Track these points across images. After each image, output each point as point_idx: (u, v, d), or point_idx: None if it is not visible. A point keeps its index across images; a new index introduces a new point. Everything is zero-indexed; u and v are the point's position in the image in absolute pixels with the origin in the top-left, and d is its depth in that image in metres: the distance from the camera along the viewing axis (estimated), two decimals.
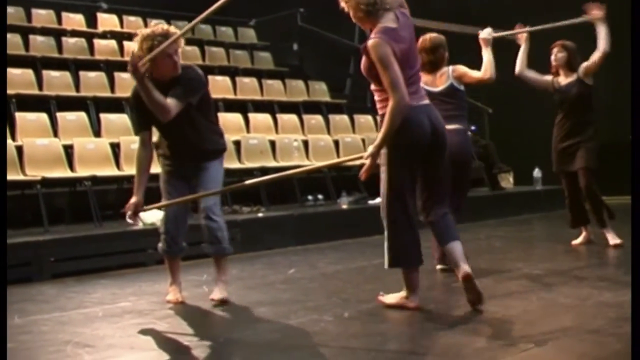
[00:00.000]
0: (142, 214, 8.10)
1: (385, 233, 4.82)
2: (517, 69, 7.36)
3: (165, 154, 5.55)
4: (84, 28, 13.65)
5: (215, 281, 5.55)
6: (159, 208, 5.60)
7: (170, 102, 5.07)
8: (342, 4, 4.76)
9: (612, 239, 7.24)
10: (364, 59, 4.69)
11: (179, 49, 5.23)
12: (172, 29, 5.22)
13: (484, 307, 4.70)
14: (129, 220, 5.48)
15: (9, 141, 8.65)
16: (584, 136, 7.22)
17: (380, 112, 4.76)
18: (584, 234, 7.53)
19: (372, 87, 4.79)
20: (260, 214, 9.25)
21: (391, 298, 5.00)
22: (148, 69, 5.06)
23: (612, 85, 13.54)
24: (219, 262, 5.50)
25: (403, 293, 4.93)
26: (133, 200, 5.41)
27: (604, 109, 13.49)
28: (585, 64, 7.17)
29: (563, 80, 7.31)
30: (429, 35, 6.32)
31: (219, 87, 12.23)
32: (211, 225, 5.34)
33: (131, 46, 12.94)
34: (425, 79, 6.02)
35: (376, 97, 4.80)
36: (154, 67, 5.14)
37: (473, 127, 12.63)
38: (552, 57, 7.34)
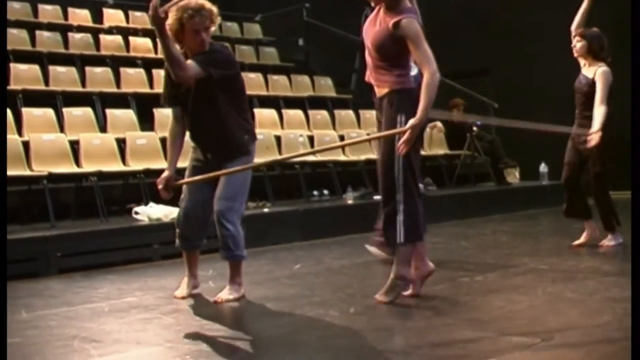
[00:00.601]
0: (148, 210, 8.19)
1: (401, 207, 4.82)
2: (573, 25, 7.06)
3: (193, 145, 5.44)
4: (90, 23, 13.66)
5: (228, 282, 5.42)
6: (187, 184, 5.40)
7: (190, 63, 4.99)
8: None
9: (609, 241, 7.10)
10: (382, 35, 4.79)
11: (210, 26, 5.14)
12: (208, 5, 5.14)
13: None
14: (163, 194, 5.42)
15: (16, 136, 8.66)
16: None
17: (381, 88, 4.91)
18: (586, 232, 7.27)
19: (379, 63, 4.87)
20: (266, 209, 9.25)
21: (390, 291, 5.00)
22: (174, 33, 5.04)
23: (615, 75, 13.53)
24: (231, 265, 5.38)
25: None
26: (165, 174, 5.38)
27: (609, 101, 13.58)
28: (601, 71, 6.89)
29: (585, 70, 7.05)
30: None
31: None
32: (222, 232, 5.20)
33: (137, 41, 13.00)
34: None
35: (382, 75, 4.89)
36: (183, 41, 5.12)
37: (479, 122, 12.64)
38: (573, 47, 7.06)
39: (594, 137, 6.66)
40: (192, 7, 5.06)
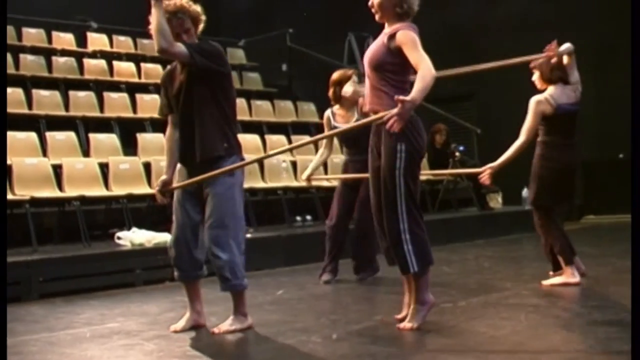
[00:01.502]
0: (130, 235, 8.17)
1: (407, 236, 4.78)
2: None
3: (178, 167, 5.27)
4: (74, 47, 13.70)
5: (232, 312, 5.16)
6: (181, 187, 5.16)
7: (177, 43, 4.89)
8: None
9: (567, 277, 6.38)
10: (379, 50, 4.83)
11: (191, 28, 5.05)
12: (188, 5, 5.03)
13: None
14: (158, 197, 5.26)
15: None
16: (534, 165, 6.57)
17: (377, 107, 4.85)
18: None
19: (377, 84, 4.86)
20: (248, 235, 9.22)
21: (417, 315, 4.92)
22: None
23: (597, 102, 13.67)
24: (233, 296, 5.14)
25: (418, 305, 4.92)
26: (162, 178, 5.23)
27: (589, 125, 13.69)
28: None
29: None
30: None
31: None
32: (216, 262, 4.97)
33: (121, 65, 13.00)
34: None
35: (380, 98, 4.86)
36: None
37: (461, 147, 12.70)
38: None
39: (485, 173, 6.31)
40: (169, 10, 4.95)
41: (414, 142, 4.77)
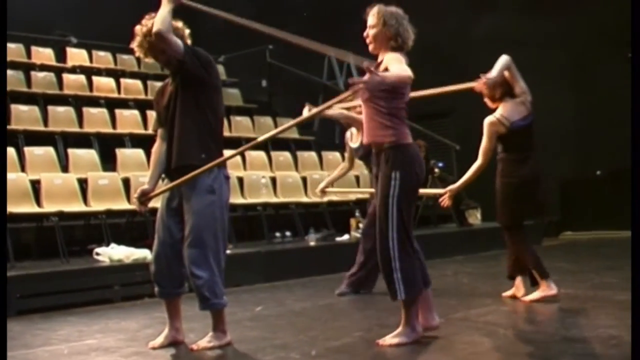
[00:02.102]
0: (109, 251, 8.14)
1: (397, 264, 4.79)
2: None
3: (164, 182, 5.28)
4: (54, 62, 13.65)
5: (212, 330, 5.14)
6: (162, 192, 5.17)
7: (176, 39, 4.97)
8: (371, 31, 4.97)
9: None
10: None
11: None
12: (174, 22, 5.04)
13: None
14: (136, 206, 5.26)
15: None
16: (496, 183, 6.52)
17: (377, 143, 4.92)
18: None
19: (372, 113, 4.90)
20: (228, 251, 9.17)
21: (401, 336, 4.91)
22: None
23: (575, 119, 13.77)
24: (212, 315, 5.11)
25: (404, 328, 4.92)
26: (143, 187, 5.21)
27: (567, 142, 13.79)
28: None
29: None
30: None
31: None
32: (194, 282, 4.94)
33: (101, 81, 12.98)
34: None
35: (376, 128, 4.91)
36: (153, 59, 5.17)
37: (440, 164, 12.74)
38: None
39: (445, 196, 6.42)
40: (150, 25, 5.00)
41: (410, 170, 4.84)
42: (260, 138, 5.32)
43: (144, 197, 5.22)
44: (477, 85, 6.09)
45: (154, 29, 4.86)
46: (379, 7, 5.00)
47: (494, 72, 6.13)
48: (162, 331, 5.30)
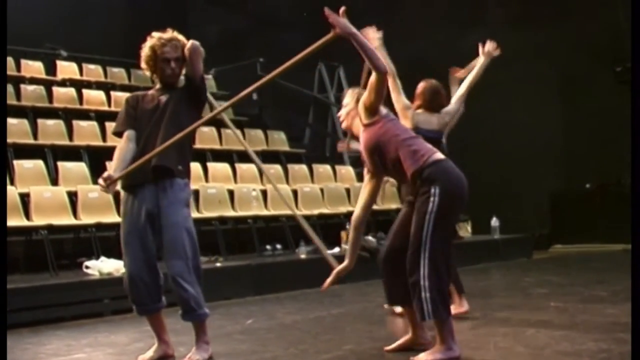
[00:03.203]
0: (99, 264, 8.12)
1: (426, 283, 4.61)
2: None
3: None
4: (43, 75, 13.64)
5: (195, 342, 5.12)
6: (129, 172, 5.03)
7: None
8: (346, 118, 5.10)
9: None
10: (366, 134, 4.89)
11: (181, 58, 5.13)
12: (181, 38, 5.19)
13: None
14: (102, 188, 5.07)
15: None
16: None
17: (420, 161, 4.74)
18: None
19: (401, 151, 4.78)
20: (218, 264, 9.21)
21: (435, 354, 4.74)
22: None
23: (565, 133, 13.81)
24: (196, 326, 5.11)
25: (440, 346, 4.75)
26: (109, 172, 5.08)
27: (557, 156, 13.84)
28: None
29: None
30: None
31: None
32: (183, 295, 4.92)
33: (90, 94, 12.95)
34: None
35: (400, 168, 4.80)
36: (155, 71, 5.21)
37: None
38: None
39: None
40: (164, 37, 5.14)
41: (449, 186, 4.67)
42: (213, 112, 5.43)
43: (109, 180, 5.03)
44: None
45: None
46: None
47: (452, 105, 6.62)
48: (152, 345, 5.27)
